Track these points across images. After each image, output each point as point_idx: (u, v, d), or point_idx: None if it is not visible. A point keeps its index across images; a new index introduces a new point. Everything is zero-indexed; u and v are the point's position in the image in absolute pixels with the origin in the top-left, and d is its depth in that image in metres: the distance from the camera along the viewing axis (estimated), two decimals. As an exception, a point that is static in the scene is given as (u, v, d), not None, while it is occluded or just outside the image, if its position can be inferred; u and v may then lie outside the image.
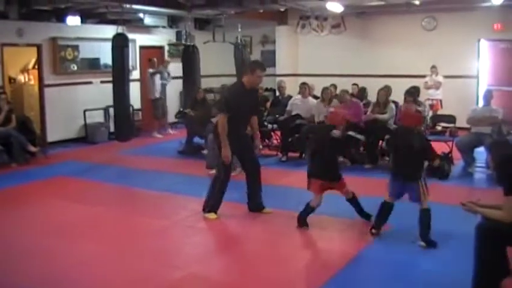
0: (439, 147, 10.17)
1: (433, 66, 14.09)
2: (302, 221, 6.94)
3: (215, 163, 8.99)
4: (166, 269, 5.76)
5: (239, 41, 14.84)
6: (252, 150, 7.61)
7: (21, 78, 14.22)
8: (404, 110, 7.00)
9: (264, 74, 7.28)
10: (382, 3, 12.85)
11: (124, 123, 12.13)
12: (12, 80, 14.00)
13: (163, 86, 14.92)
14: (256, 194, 7.61)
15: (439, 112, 13.42)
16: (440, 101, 14.04)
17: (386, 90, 10.99)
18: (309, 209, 6.93)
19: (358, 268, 5.74)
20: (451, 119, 11.20)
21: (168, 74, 15.12)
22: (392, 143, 6.89)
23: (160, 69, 14.82)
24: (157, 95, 14.58)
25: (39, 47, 13.11)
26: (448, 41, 14.55)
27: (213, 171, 10.04)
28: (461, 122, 10.82)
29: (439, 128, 11.30)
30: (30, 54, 13.60)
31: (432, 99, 13.86)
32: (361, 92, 13.44)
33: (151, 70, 14.58)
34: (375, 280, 5.54)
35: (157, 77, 14.55)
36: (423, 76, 14.16)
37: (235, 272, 5.77)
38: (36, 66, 13.55)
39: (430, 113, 12.61)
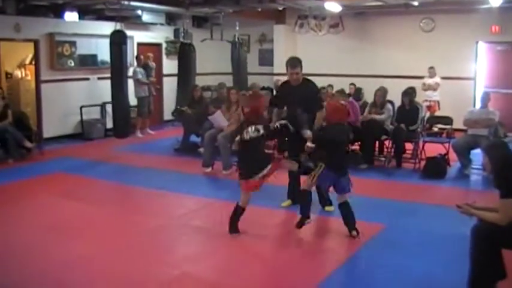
0: (436, 148, 10.23)
1: (431, 68, 14.08)
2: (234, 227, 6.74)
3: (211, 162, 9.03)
4: (161, 267, 5.74)
5: (236, 39, 14.81)
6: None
7: (18, 73, 14.18)
8: (332, 105, 6.91)
9: (295, 70, 7.47)
10: (381, 3, 12.84)
11: (122, 120, 12.10)
12: (8, 75, 13.98)
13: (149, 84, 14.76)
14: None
15: (436, 113, 13.43)
16: (438, 102, 14.04)
17: (383, 91, 10.98)
18: (240, 211, 6.72)
19: (352, 269, 5.73)
20: (447, 120, 11.20)
21: (151, 69, 15.06)
22: (323, 138, 6.74)
23: (143, 66, 14.69)
24: (142, 93, 14.48)
25: (36, 43, 13.08)
26: (446, 42, 14.56)
27: (209, 170, 10.08)
28: (458, 124, 10.84)
29: (435, 129, 11.28)
30: (27, 50, 13.56)
31: (429, 101, 13.88)
32: (357, 92, 13.42)
33: (136, 67, 14.48)
34: (369, 282, 5.50)
35: (141, 74, 14.41)
36: (421, 77, 14.16)
37: (229, 271, 5.75)
38: (33, 62, 13.50)
39: (427, 114, 12.62)
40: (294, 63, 7.55)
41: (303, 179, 7.00)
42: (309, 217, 6.66)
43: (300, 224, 6.62)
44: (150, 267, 5.72)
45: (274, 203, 7.84)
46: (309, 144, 6.83)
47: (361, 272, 5.68)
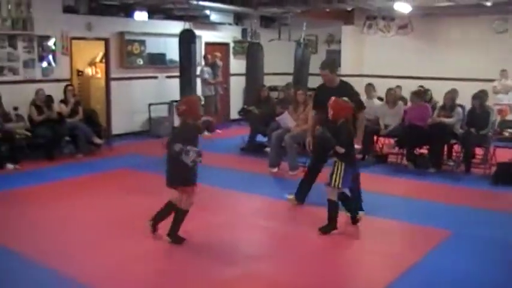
0: (507, 154, 9.95)
1: (503, 70, 13.69)
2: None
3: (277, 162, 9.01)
4: (224, 265, 5.75)
5: (301, 40, 14.75)
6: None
7: (89, 71, 14.50)
8: (339, 103, 6.82)
9: (323, 72, 7.55)
10: (451, 4, 12.56)
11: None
12: (80, 73, 14.30)
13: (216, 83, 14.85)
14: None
15: (508, 118, 13.03)
16: (509, 106, 13.63)
17: (452, 94, 10.76)
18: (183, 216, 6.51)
19: (418, 276, 5.59)
20: (520, 125, 10.88)
21: (219, 68, 15.12)
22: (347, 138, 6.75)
23: (210, 65, 14.77)
24: (208, 92, 14.58)
25: (106, 41, 13.36)
26: (520, 44, 14.13)
27: (275, 170, 10.06)
28: (531, 128, 10.51)
29: (507, 134, 10.95)
30: (97, 48, 13.86)
31: (501, 104, 13.47)
32: (424, 94, 13.17)
33: (203, 67, 14.59)
34: (436, 288, 5.39)
35: (207, 74, 14.50)
36: (492, 80, 13.79)
37: (293, 271, 5.71)
38: (103, 60, 13.79)
39: (498, 118, 12.26)
40: (322, 65, 7.67)
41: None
42: (336, 227, 6.74)
43: (325, 231, 6.69)
44: (212, 265, 5.74)
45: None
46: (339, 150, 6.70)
47: (427, 279, 5.53)
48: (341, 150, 6.58)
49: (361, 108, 7.53)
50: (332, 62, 7.78)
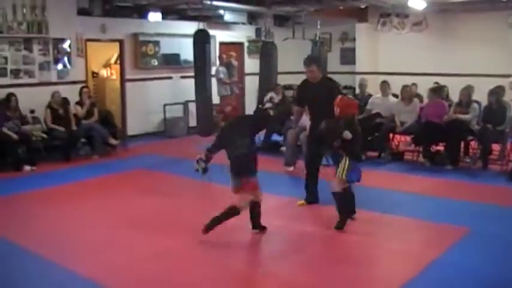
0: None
1: (520, 65, 13.58)
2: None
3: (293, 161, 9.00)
4: (243, 265, 5.76)
5: (317, 38, 14.71)
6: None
7: (104, 73, 14.57)
8: (345, 101, 6.96)
9: (310, 68, 7.66)
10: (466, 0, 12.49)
11: (205, 118, 12.24)
12: (95, 75, 14.38)
13: (231, 83, 14.88)
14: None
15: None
16: (526, 101, 13.53)
17: (468, 90, 10.69)
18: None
19: (436, 273, 5.55)
20: (537, 120, 10.78)
21: (234, 67, 15.13)
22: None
23: (225, 65, 14.81)
24: (224, 92, 14.59)
25: (121, 43, 13.41)
26: (536, 39, 14.00)
27: (291, 169, 10.04)
28: (548, 124, 10.41)
29: (524, 130, 10.88)
30: (112, 50, 13.91)
31: (517, 100, 13.37)
32: (439, 91, 13.09)
33: (218, 66, 14.63)
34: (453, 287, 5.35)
35: (223, 74, 14.53)
36: (508, 75, 13.65)
37: (309, 270, 5.70)
38: (118, 61, 13.84)
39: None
40: (307, 61, 7.78)
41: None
42: (354, 211, 7.01)
43: (339, 227, 6.74)
44: (232, 264, 5.75)
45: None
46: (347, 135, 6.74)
47: (446, 276, 5.50)
48: (349, 135, 6.63)
49: None
50: (318, 57, 8.02)
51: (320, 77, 7.79)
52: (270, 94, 12.24)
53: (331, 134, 6.85)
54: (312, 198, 7.90)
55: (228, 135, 6.70)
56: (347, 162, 6.69)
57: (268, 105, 7.52)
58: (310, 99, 7.70)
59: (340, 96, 6.97)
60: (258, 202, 6.64)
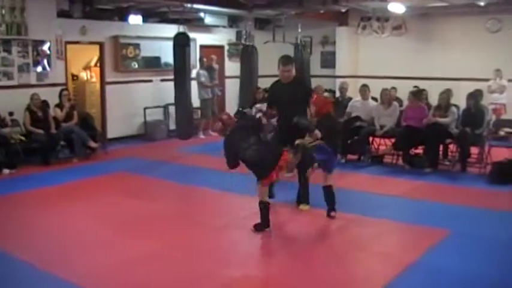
0: (502, 153, 9.97)
1: (497, 70, 13.70)
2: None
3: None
4: (223, 268, 5.75)
5: (299, 41, 14.75)
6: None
7: (84, 75, 14.49)
8: (321, 100, 7.26)
9: (287, 68, 7.64)
10: (445, 4, 12.59)
11: (185, 121, 12.22)
12: (74, 77, 14.29)
13: (213, 86, 14.86)
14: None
15: (503, 117, 13.04)
16: (504, 105, 13.66)
17: (447, 94, 10.77)
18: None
19: (416, 275, 5.58)
20: (515, 124, 10.90)
21: (215, 71, 15.13)
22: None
23: (206, 68, 14.80)
24: (205, 95, 14.59)
25: (101, 45, 13.34)
26: (514, 43, 14.14)
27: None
28: (526, 127, 10.53)
29: (502, 133, 10.95)
30: (92, 52, 13.84)
31: (496, 104, 13.49)
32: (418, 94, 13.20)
33: (199, 70, 14.62)
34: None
35: (204, 77, 14.52)
36: (487, 79, 13.80)
37: (291, 273, 5.70)
38: (98, 64, 13.77)
39: (493, 118, 12.29)
40: (286, 61, 7.73)
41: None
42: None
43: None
44: (212, 268, 5.74)
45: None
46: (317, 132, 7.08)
47: (426, 278, 5.53)
48: (318, 134, 6.96)
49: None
50: (292, 58, 7.99)
51: (292, 78, 7.76)
52: (258, 106, 12.20)
53: (305, 130, 7.06)
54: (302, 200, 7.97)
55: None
56: (313, 145, 6.91)
57: (259, 115, 7.59)
58: (282, 100, 7.65)
59: (316, 95, 7.13)
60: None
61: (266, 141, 6.85)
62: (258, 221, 6.91)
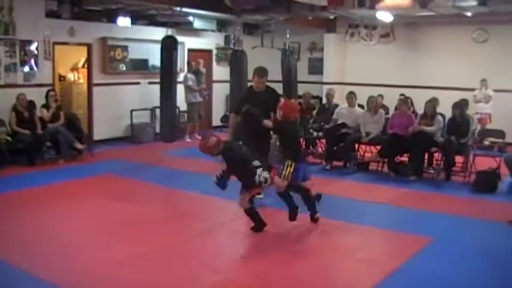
0: (487, 162, 10.04)
1: (483, 80, 13.79)
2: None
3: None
4: (206, 272, 5.76)
5: (287, 47, 14.80)
6: (266, 145, 8.16)
7: (71, 76, 14.45)
8: (289, 105, 7.44)
9: (262, 79, 8.04)
10: (433, 14, 12.69)
11: (169, 125, 12.21)
12: (62, 78, 14.24)
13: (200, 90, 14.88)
14: None
15: (488, 127, 13.14)
16: (490, 115, 13.76)
17: (433, 102, 10.84)
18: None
19: (399, 282, 5.62)
20: (500, 134, 10.96)
21: (202, 74, 15.15)
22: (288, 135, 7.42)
23: (194, 72, 14.83)
24: (192, 98, 14.60)
25: (89, 47, 13.31)
26: (499, 54, 14.25)
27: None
28: (510, 137, 10.62)
29: (486, 142, 11.04)
30: (80, 54, 13.80)
31: (481, 113, 13.60)
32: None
33: (187, 73, 14.64)
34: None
35: (191, 81, 14.54)
36: (472, 89, 13.90)
37: (274, 277, 5.72)
38: (86, 65, 13.74)
39: (478, 127, 12.39)
40: (261, 73, 8.09)
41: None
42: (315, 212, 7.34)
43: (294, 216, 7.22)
44: (195, 271, 5.75)
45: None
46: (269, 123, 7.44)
47: (408, 284, 5.57)
48: (269, 124, 7.20)
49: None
50: (266, 70, 8.22)
51: (264, 87, 8.14)
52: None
53: (253, 118, 7.47)
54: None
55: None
56: (290, 164, 7.07)
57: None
58: (252, 105, 7.83)
59: (284, 100, 7.31)
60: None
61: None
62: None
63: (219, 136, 7.01)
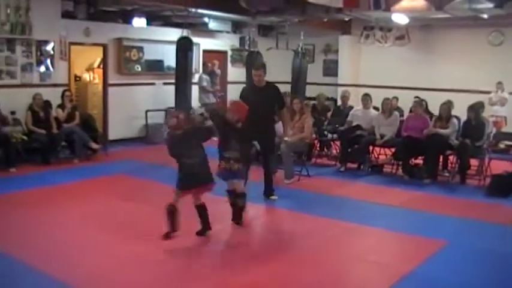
0: (502, 165, 9.97)
1: (499, 82, 13.73)
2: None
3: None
4: (218, 273, 5.76)
5: (299, 49, 14.80)
6: (271, 141, 8.67)
7: (86, 76, 14.52)
8: (237, 104, 7.48)
9: (258, 72, 8.37)
10: (448, 16, 12.63)
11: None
12: (77, 79, 14.32)
13: (214, 91, 14.93)
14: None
15: (503, 129, 13.07)
16: (505, 118, 13.69)
17: (448, 105, 10.79)
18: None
19: (412, 285, 5.60)
20: (515, 137, 10.92)
21: (217, 76, 15.19)
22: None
23: (209, 73, 14.87)
24: (206, 99, 14.62)
25: (105, 47, 13.39)
26: (516, 57, 14.17)
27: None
28: (526, 141, 10.54)
29: (502, 146, 10.98)
30: (95, 54, 13.88)
31: (496, 116, 13.53)
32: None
33: (202, 74, 14.68)
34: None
35: (206, 82, 14.57)
36: (488, 92, 13.83)
37: (284, 280, 5.70)
38: (101, 66, 13.81)
39: (494, 130, 12.31)
40: (257, 66, 8.65)
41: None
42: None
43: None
44: (201, 271, 5.75)
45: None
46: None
47: (421, 288, 5.57)
48: (230, 116, 7.15)
49: (283, 106, 8.92)
50: (264, 64, 8.65)
51: (265, 82, 8.46)
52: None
53: (215, 115, 7.68)
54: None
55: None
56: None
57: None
58: (253, 102, 7.78)
59: (233, 100, 7.50)
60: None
61: (205, 156, 6.96)
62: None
63: (185, 115, 7.11)
